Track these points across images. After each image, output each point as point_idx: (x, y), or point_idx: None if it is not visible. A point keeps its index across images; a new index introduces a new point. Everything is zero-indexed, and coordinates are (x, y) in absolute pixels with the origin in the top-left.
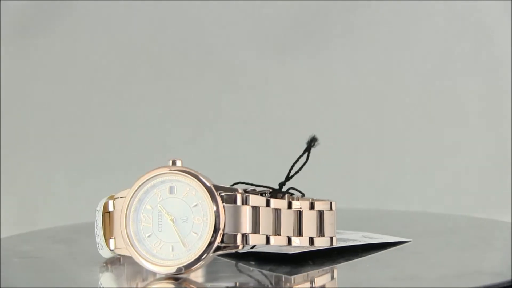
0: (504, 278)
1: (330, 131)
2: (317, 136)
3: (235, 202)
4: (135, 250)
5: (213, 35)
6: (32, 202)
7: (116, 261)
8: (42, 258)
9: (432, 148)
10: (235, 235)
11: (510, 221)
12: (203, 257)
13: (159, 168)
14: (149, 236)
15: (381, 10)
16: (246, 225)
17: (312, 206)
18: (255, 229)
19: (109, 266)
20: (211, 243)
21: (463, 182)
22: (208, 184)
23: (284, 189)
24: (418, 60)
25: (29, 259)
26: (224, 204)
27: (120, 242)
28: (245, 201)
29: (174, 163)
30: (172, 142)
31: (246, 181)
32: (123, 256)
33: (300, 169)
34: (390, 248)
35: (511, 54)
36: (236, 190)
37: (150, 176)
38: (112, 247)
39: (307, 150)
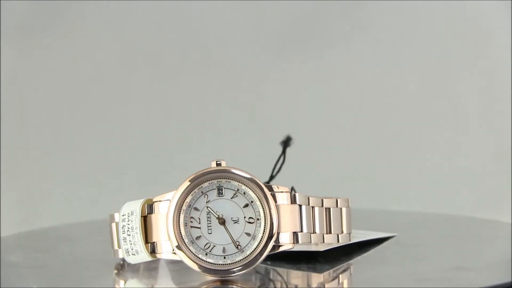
0: (504, 278)
1: (330, 131)
2: (291, 135)
3: (284, 201)
4: (186, 253)
5: (213, 35)
6: (32, 201)
7: (122, 264)
8: (42, 258)
9: (432, 148)
10: (287, 234)
11: (510, 221)
12: (259, 257)
13: (204, 169)
14: (198, 239)
15: (381, 10)
16: (296, 224)
17: (336, 204)
18: (301, 227)
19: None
20: (266, 244)
21: (463, 182)
22: (260, 184)
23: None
24: (418, 60)
25: (29, 258)
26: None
27: (165, 246)
28: (293, 200)
29: (219, 164)
30: (172, 142)
31: None
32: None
33: (279, 169)
34: (376, 245)
35: (511, 54)
36: (285, 189)
37: (196, 178)
38: (155, 251)
39: (283, 150)
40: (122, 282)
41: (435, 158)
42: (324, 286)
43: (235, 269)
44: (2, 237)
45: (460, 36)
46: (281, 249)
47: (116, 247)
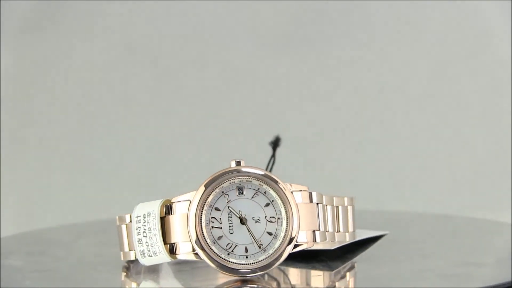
0: (504, 278)
1: (329, 130)
2: (280, 136)
3: (302, 199)
4: (208, 254)
5: (212, 34)
6: (32, 202)
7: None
8: (43, 258)
9: (432, 148)
10: (306, 233)
11: (510, 221)
12: (281, 257)
13: (225, 169)
14: (220, 239)
15: (380, 10)
16: (314, 223)
17: (344, 202)
18: (319, 226)
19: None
20: (288, 243)
21: (463, 182)
22: (279, 183)
23: None
24: (418, 60)
25: (30, 259)
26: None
27: (185, 246)
28: (312, 199)
29: (238, 163)
30: (172, 142)
31: None
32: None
33: (271, 169)
34: (372, 243)
35: (511, 54)
36: (302, 188)
37: (217, 178)
38: (175, 252)
39: (273, 151)
40: (134, 284)
41: (435, 158)
42: (349, 285)
43: (258, 269)
44: (2, 237)
45: (460, 36)
46: (300, 248)
47: (126, 249)
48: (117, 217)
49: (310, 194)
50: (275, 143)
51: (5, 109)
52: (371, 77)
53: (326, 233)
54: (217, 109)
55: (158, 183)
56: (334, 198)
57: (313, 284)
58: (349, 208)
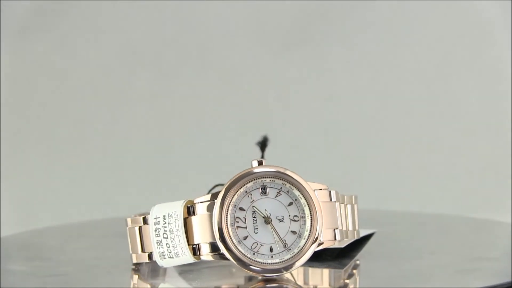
0: (504, 278)
1: (329, 130)
2: (268, 136)
3: (323, 198)
4: (236, 254)
5: (212, 34)
6: (32, 202)
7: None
8: (44, 259)
9: (432, 148)
10: (329, 231)
11: (510, 221)
12: (306, 255)
13: (248, 169)
14: (245, 239)
15: (381, 10)
16: (335, 221)
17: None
18: (339, 224)
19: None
20: (313, 241)
21: (463, 182)
22: (302, 182)
23: None
24: (418, 60)
25: (30, 259)
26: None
27: (209, 247)
28: (331, 197)
29: (260, 163)
30: (172, 142)
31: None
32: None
33: None
34: (365, 242)
35: (511, 54)
36: (323, 186)
37: (241, 178)
38: (198, 253)
39: (262, 151)
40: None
41: (435, 158)
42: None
43: (283, 268)
44: (2, 237)
45: (460, 36)
46: (322, 246)
47: (139, 251)
48: (129, 219)
49: (330, 193)
50: (263, 143)
51: (5, 109)
52: (371, 77)
53: (344, 231)
54: (217, 109)
55: (158, 183)
56: (345, 196)
57: (336, 284)
58: (355, 206)
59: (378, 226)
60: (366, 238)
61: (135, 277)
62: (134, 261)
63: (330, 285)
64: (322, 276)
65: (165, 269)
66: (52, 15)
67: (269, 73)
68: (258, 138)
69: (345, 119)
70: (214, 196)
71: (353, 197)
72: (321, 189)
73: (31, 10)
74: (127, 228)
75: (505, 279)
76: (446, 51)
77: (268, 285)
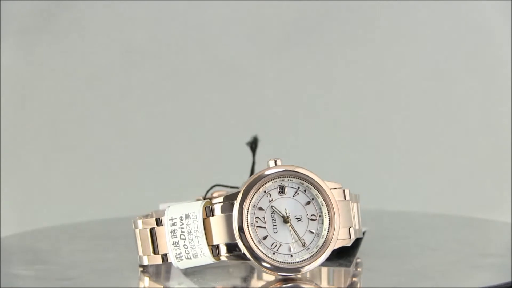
0: (504, 278)
1: (330, 130)
2: (257, 136)
3: (339, 196)
4: (256, 253)
5: (212, 34)
6: (32, 202)
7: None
8: (44, 258)
9: (432, 148)
10: (345, 230)
11: (510, 221)
12: (325, 254)
13: (266, 169)
14: (264, 238)
15: (381, 10)
16: (350, 219)
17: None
18: (353, 222)
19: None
20: (331, 240)
21: (463, 182)
22: (319, 181)
23: None
24: (418, 60)
25: (30, 259)
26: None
27: (229, 248)
28: (345, 196)
29: (276, 163)
30: (171, 142)
31: (222, 184)
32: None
33: (252, 170)
34: (360, 241)
35: (511, 54)
36: (337, 185)
37: (260, 178)
38: (218, 254)
39: (252, 151)
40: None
41: (435, 158)
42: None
43: (303, 267)
44: (2, 237)
45: (460, 36)
46: (339, 245)
47: (152, 253)
48: (139, 221)
49: (344, 191)
50: (252, 144)
51: (5, 109)
52: (371, 77)
53: (356, 229)
54: (217, 109)
55: (158, 183)
56: (353, 195)
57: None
58: (359, 205)
59: (379, 225)
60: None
61: (146, 279)
62: (145, 263)
63: (344, 283)
64: (333, 274)
65: (168, 270)
66: (52, 15)
67: (269, 73)
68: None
69: (345, 119)
70: (231, 197)
71: (357, 196)
72: (335, 188)
73: (31, 10)
74: (137, 230)
75: (505, 279)
76: (446, 51)
77: (287, 285)
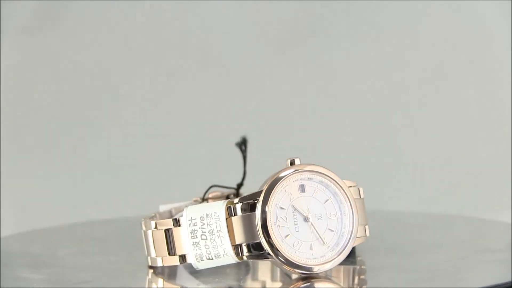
0: (504, 278)
1: (330, 130)
2: (246, 137)
3: (355, 195)
4: (280, 253)
5: (212, 34)
6: (32, 201)
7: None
8: (43, 257)
9: (432, 148)
10: (362, 228)
11: (510, 221)
12: (346, 252)
13: (286, 168)
14: (287, 237)
15: (380, 10)
16: (365, 217)
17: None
18: (367, 220)
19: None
20: (350, 238)
21: (463, 182)
22: (338, 179)
23: (242, 189)
24: (418, 60)
25: (30, 259)
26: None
27: (252, 247)
28: (360, 194)
29: (293, 162)
30: (171, 142)
31: (219, 184)
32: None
33: (244, 171)
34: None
35: (511, 54)
36: (352, 183)
37: (280, 178)
38: (241, 253)
39: (242, 152)
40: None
41: (435, 158)
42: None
43: (324, 265)
44: (2, 237)
45: (460, 37)
46: (358, 242)
47: (166, 254)
48: (152, 222)
49: (359, 190)
50: (242, 144)
51: (5, 109)
52: (371, 77)
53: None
54: (217, 109)
55: (158, 183)
56: None
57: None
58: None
59: (378, 225)
60: None
61: (160, 280)
62: (159, 264)
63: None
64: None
65: (174, 271)
66: (52, 15)
67: (269, 72)
68: (259, 138)
69: (345, 119)
70: (252, 197)
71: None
72: (351, 186)
73: (31, 10)
74: (149, 231)
75: (505, 279)
76: (446, 51)
77: (305, 285)
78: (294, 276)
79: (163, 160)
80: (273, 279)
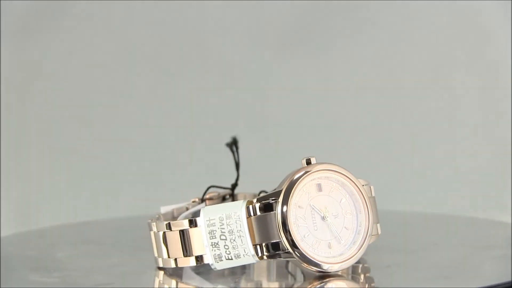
0: (504, 278)
1: (330, 130)
2: (237, 137)
3: (369, 193)
4: (301, 252)
5: (213, 34)
6: (32, 201)
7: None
8: (44, 257)
9: (432, 148)
10: (375, 226)
11: (510, 221)
12: (362, 250)
13: (303, 167)
14: (306, 236)
15: (380, 10)
16: (377, 216)
17: None
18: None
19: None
20: (367, 236)
21: (463, 182)
22: (353, 178)
23: (236, 190)
24: (418, 60)
25: (30, 259)
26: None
27: (272, 247)
28: (372, 192)
29: (309, 161)
30: (171, 142)
31: (217, 185)
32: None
33: (237, 172)
34: None
35: (511, 54)
36: (364, 182)
37: (298, 178)
38: (261, 253)
39: (233, 153)
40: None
41: (435, 158)
42: None
43: (342, 263)
44: (2, 237)
45: (460, 36)
46: (372, 240)
47: (181, 255)
48: (170, 222)
49: (370, 188)
50: (232, 144)
51: (5, 109)
52: (371, 77)
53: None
54: (217, 109)
55: (159, 182)
56: None
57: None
58: None
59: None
60: None
61: (173, 281)
62: (172, 266)
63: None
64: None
65: (181, 271)
66: (52, 15)
67: (269, 72)
68: (258, 138)
69: (346, 119)
70: (271, 196)
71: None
72: (364, 185)
73: (31, 10)
74: (160, 232)
75: (505, 279)
76: (446, 51)
77: (320, 285)
78: (312, 274)
79: (163, 160)
80: (269, 279)
